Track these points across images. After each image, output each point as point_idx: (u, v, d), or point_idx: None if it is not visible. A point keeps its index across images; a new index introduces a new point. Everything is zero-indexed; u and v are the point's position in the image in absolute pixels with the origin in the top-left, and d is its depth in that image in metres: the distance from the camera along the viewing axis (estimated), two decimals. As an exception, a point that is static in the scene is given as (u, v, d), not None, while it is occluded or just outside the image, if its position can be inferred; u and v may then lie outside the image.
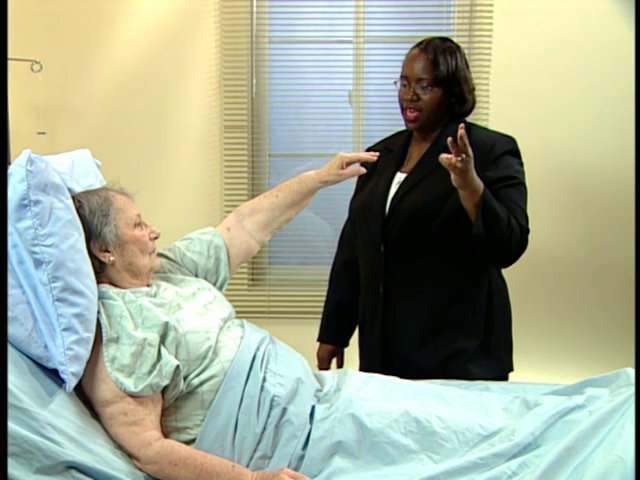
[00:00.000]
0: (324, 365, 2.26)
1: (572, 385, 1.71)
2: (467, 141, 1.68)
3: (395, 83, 2.02)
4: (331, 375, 1.77)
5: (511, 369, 2.10)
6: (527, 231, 1.89)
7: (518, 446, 1.43)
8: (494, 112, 3.14)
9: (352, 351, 2.25)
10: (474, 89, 2.04)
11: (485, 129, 2.08)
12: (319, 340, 2.27)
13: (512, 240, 1.84)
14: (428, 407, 1.58)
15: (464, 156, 1.69)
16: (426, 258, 1.96)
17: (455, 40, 2.04)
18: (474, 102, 2.04)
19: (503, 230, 1.82)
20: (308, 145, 3.34)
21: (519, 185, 1.93)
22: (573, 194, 3.23)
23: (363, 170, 1.88)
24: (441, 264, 1.96)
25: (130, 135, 3.25)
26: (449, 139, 1.68)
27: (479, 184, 1.78)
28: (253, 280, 3.42)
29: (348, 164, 1.87)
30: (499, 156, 1.93)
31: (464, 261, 1.96)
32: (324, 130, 3.32)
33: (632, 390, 1.47)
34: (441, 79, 1.94)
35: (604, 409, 1.44)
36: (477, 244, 1.84)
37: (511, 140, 1.99)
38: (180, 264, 1.82)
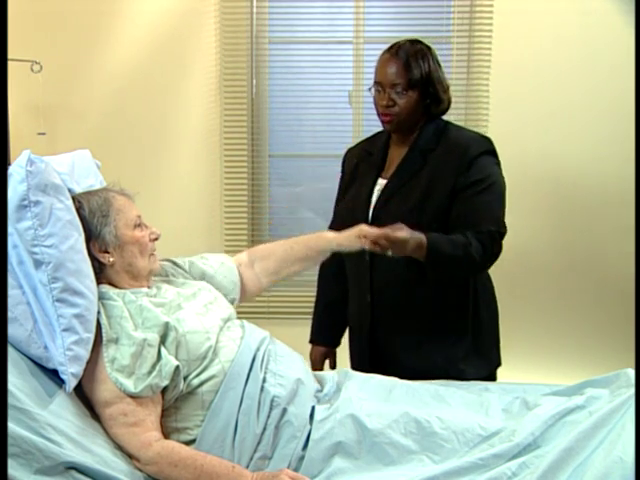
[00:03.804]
0: (317, 366, 2.25)
1: (572, 386, 1.71)
2: (393, 236, 1.70)
3: (370, 90, 2.01)
4: (331, 376, 1.77)
5: (499, 364, 2.12)
6: (500, 235, 1.88)
7: (518, 447, 1.43)
8: (494, 113, 3.13)
9: (346, 351, 2.24)
10: (449, 87, 2.02)
11: (460, 128, 2.06)
12: (311, 342, 2.27)
13: (474, 262, 1.84)
14: (428, 408, 1.58)
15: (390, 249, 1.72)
16: (411, 264, 1.95)
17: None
18: (449, 101, 2.03)
19: (460, 264, 1.84)
20: (308, 145, 3.34)
21: (493, 186, 1.91)
22: (572, 194, 3.23)
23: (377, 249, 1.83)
24: (425, 269, 1.95)
25: (130, 135, 3.25)
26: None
27: (418, 239, 1.76)
28: (253, 280, 3.41)
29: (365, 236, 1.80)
30: (473, 159, 1.91)
31: None
32: (324, 130, 3.32)
33: (632, 391, 1.47)
34: (415, 82, 1.93)
35: (604, 410, 1.44)
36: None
37: (486, 140, 1.98)
38: (186, 271, 1.82)
